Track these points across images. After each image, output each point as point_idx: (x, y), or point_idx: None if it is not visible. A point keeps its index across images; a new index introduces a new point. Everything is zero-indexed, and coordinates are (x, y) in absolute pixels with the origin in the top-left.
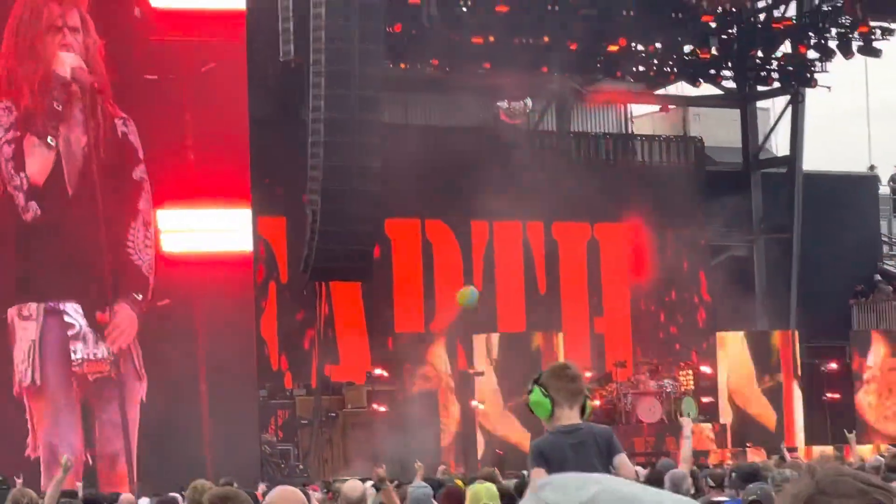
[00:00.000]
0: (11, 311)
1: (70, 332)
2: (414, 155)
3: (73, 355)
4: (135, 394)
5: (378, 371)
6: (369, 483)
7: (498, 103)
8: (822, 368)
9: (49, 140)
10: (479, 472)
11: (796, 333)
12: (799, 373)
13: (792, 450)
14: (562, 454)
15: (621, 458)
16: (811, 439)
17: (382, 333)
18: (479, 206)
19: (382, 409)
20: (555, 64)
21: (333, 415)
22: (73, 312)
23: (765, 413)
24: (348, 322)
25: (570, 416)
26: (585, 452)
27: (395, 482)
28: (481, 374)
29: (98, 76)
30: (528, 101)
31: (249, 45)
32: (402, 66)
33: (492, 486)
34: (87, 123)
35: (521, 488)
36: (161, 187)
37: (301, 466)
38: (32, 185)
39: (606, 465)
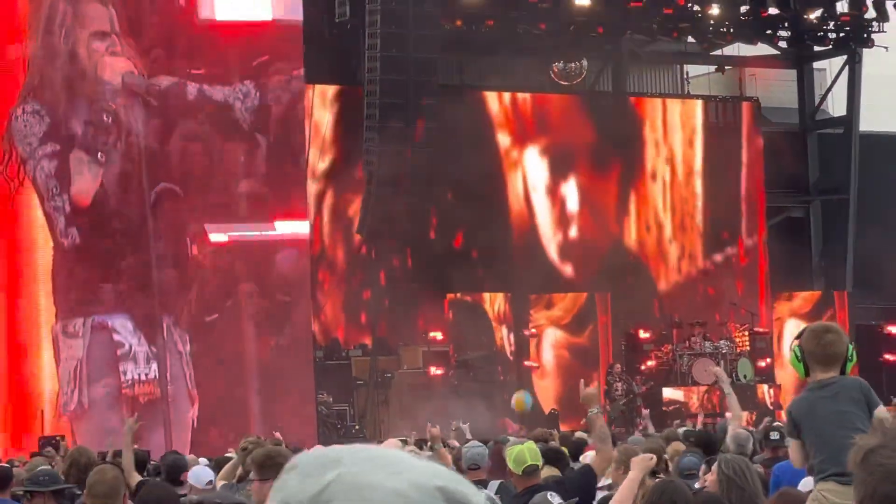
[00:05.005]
0: (56, 328)
1: (120, 351)
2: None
3: (122, 376)
4: (185, 417)
5: (434, 333)
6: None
7: (553, 64)
8: (879, 330)
9: (99, 156)
10: (533, 433)
11: (845, 295)
12: (850, 335)
13: None
14: (810, 406)
15: (879, 411)
16: None
17: (440, 295)
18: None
19: (438, 370)
20: (611, 24)
21: (389, 375)
22: (122, 329)
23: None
24: (404, 283)
25: (824, 375)
26: (839, 400)
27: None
28: (536, 335)
29: (144, 82)
30: (584, 62)
31: (306, 5)
32: (458, 23)
33: (532, 445)
34: (135, 133)
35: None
36: (218, 204)
37: (357, 427)
38: (75, 206)
39: (865, 413)
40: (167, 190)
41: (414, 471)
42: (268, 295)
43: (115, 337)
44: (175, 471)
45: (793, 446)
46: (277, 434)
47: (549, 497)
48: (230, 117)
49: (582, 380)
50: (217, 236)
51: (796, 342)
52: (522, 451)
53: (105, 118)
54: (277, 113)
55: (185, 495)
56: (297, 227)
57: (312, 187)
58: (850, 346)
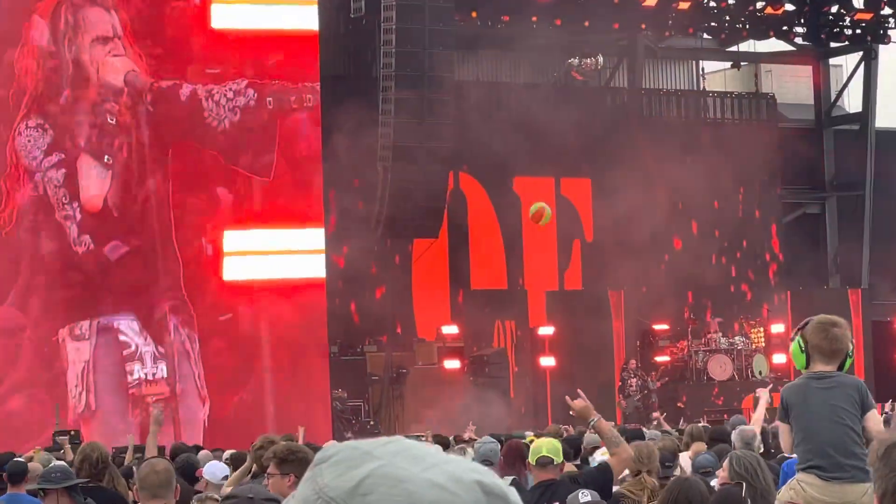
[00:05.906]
0: (62, 332)
1: (125, 352)
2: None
3: (129, 377)
4: (196, 416)
5: (448, 328)
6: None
7: (569, 60)
8: (895, 326)
9: (106, 159)
10: (547, 429)
11: (860, 291)
12: (865, 331)
13: None
14: (804, 394)
15: (872, 415)
16: (881, 397)
17: (455, 289)
18: (549, 163)
19: (453, 365)
20: (626, 20)
21: (404, 371)
22: (128, 330)
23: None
24: (420, 277)
25: (824, 368)
26: (834, 395)
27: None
28: (551, 332)
29: (146, 82)
30: (600, 58)
31: (321, 1)
32: (473, 14)
33: (554, 441)
34: (141, 134)
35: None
36: (227, 205)
37: (372, 422)
38: (86, 213)
39: (857, 414)
40: (179, 192)
41: (449, 464)
42: (282, 292)
43: (121, 338)
44: (189, 469)
45: (782, 430)
46: (301, 430)
47: (579, 496)
48: (236, 124)
49: (567, 396)
50: (233, 269)
51: (799, 333)
52: (540, 444)
53: (109, 120)
54: (292, 124)
55: (200, 492)
56: (315, 269)
57: (327, 184)
58: (852, 344)
